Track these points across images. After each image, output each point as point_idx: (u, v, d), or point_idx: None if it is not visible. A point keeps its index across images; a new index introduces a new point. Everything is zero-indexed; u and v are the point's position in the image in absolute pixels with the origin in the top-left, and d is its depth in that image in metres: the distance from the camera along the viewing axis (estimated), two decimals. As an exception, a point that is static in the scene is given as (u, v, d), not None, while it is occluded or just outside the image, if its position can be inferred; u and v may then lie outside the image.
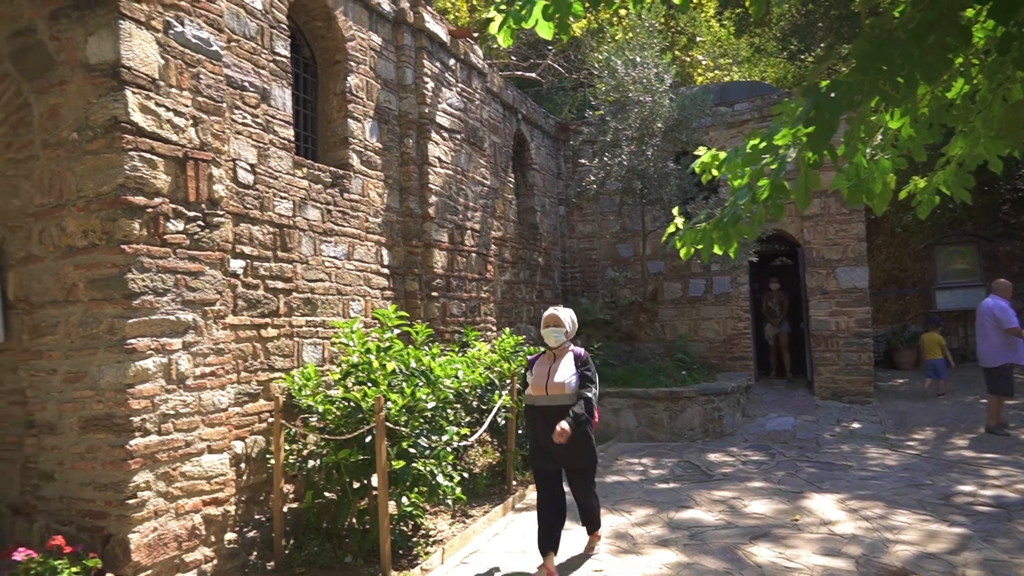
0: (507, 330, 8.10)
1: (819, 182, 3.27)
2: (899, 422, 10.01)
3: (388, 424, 4.94)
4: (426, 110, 7.87)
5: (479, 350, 7.27)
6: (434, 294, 7.81)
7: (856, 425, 9.83)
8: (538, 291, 11.82)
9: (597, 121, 11.94)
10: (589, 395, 4.91)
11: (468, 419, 6.62)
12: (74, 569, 3.84)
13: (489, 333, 8.97)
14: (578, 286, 13.14)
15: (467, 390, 6.56)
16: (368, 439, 5.01)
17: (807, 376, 12.06)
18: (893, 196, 3.67)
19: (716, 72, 20.06)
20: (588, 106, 14.23)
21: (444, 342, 7.74)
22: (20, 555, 3.80)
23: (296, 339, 5.88)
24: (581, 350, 5.10)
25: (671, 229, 3.81)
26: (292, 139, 6.00)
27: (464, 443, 5.97)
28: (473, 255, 8.78)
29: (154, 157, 4.33)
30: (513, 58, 16.56)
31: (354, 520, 5.33)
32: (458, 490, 5.47)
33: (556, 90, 17.55)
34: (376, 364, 5.42)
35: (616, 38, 13.13)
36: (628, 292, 12.10)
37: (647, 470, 8.12)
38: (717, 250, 3.59)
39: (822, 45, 15.47)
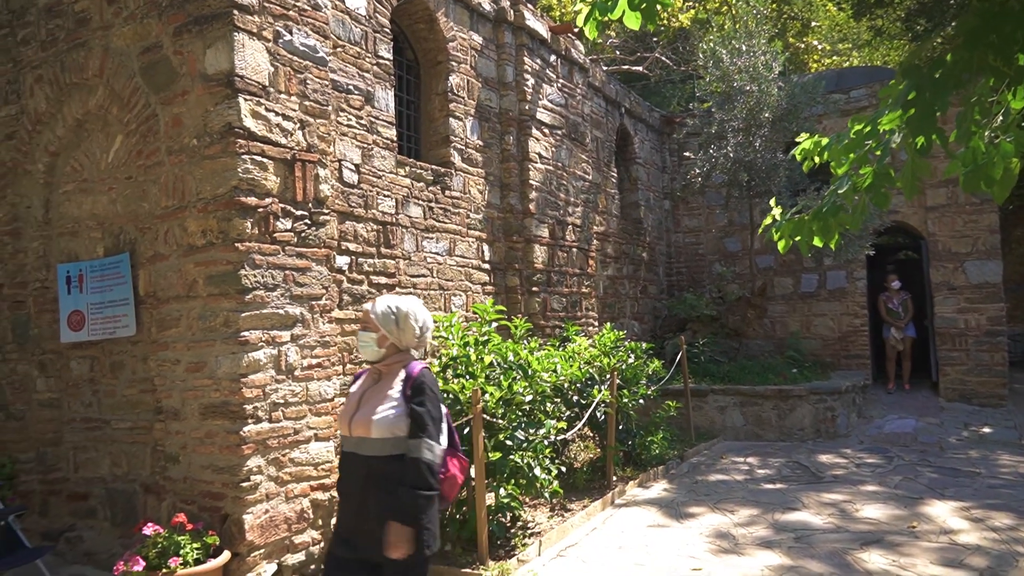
0: (608, 325, 8.05)
1: (929, 169, 3.08)
2: (1037, 427, 9.25)
3: (485, 416, 5.04)
4: (527, 107, 7.92)
5: (578, 345, 7.27)
6: (535, 289, 7.87)
7: (987, 429, 9.15)
8: (642, 286, 11.68)
9: (703, 113, 11.64)
10: (426, 457, 2.88)
11: (568, 413, 6.63)
12: (195, 545, 4.14)
13: (591, 328, 8.94)
14: (684, 281, 12.88)
15: (566, 384, 6.57)
16: (466, 430, 5.12)
17: (931, 377, 11.31)
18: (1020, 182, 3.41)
19: (834, 58, 19.10)
20: (695, 98, 13.89)
21: (544, 337, 7.78)
22: (149, 530, 4.14)
23: (399, 333, 6.05)
24: (418, 366, 3.08)
25: (768, 220, 3.69)
26: (395, 139, 6.19)
27: (562, 436, 5.99)
28: (574, 250, 8.78)
29: (265, 160, 4.59)
30: (619, 52, 16.39)
31: (452, 509, 5.46)
32: (555, 483, 5.51)
33: (664, 83, 17.23)
34: (474, 357, 5.53)
35: (724, 27, 12.76)
36: (736, 287, 11.73)
37: (753, 470, 7.87)
38: (817, 242, 3.45)
39: (953, 24, 14.42)
